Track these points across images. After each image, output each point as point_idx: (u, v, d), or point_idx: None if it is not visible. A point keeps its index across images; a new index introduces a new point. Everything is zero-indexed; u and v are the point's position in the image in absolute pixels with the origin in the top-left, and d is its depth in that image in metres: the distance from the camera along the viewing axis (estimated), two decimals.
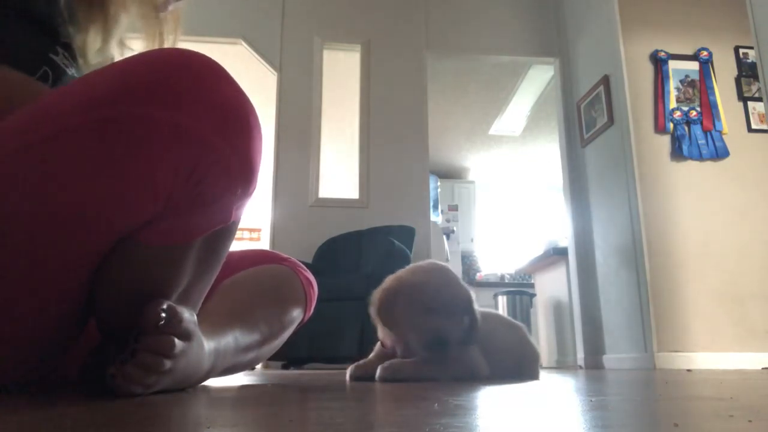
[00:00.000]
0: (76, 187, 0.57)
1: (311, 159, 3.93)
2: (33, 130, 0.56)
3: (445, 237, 4.77)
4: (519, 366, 1.42)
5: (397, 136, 4.03)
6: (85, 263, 0.64)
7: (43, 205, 0.57)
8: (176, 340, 0.66)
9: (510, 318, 1.54)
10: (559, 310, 4.41)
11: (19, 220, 0.58)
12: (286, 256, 1.15)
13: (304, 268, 1.14)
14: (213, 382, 1.07)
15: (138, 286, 0.66)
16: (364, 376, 1.27)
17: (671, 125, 3.31)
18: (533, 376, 1.44)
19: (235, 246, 0.83)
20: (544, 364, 1.49)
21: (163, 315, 0.65)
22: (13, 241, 0.59)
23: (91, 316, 0.71)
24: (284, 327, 1.06)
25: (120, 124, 0.56)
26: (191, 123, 0.58)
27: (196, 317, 0.72)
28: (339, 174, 4.05)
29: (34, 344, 0.68)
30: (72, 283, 0.65)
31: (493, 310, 1.55)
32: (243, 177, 0.64)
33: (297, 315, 1.09)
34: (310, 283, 1.14)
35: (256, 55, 4.04)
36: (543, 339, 4.67)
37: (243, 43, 4.02)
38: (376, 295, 1.30)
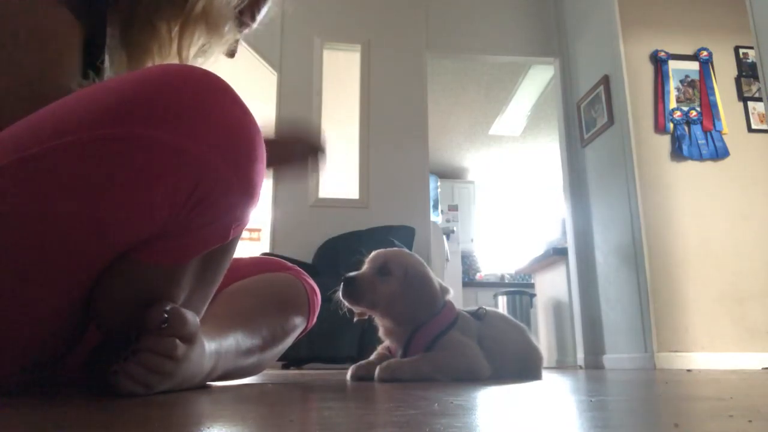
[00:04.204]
0: (73, 205, 0.56)
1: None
2: (31, 144, 0.55)
3: (445, 237, 4.76)
4: (523, 366, 1.43)
5: (397, 136, 4.03)
6: (84, 277, 0.64)
7: (37, 220, 0.57)
8: (179, 343, 0.66)
9: (513, 318, 1.54)
10: (559, 310, 4.41)
11: (14, 234, 0.57)
12: (290, 264, 1.16)
13: (308, 276, 1.15)
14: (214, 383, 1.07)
15: (136, 298, 0.66)
16: (364, 377, 1.27)
17: (671, 125, 3.31)
18: (537, 376, 1.44)
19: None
20: (544, 364, 1.49)
21: (166, 316, 0.65)
22: (9, 252, 0.58)
23: (91, 321, 0.71)
24: (286, 333, 1.06)
25: (118, 143, 0.55)
26: (192, 145, 0.57)
27: (198, 321, 0.73)
28: (339, 174, 4.05)
29: (34, 349, 0.68)
30: (71, 294, 0.65)
31: (498, 310, 1.55)
32: (243, 198, 0.63)
33: (299, 322, 1.10)
34: (314, 291, 1.14)
35: (256, 55, 4.04)
36: (543, 339, 4.67)
37: (243, 43, 4.01)
38: None
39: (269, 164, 0.91)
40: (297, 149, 1.02)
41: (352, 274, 1.31)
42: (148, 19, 0.82)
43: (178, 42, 0.85)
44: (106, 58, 0.82)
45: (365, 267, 1.34)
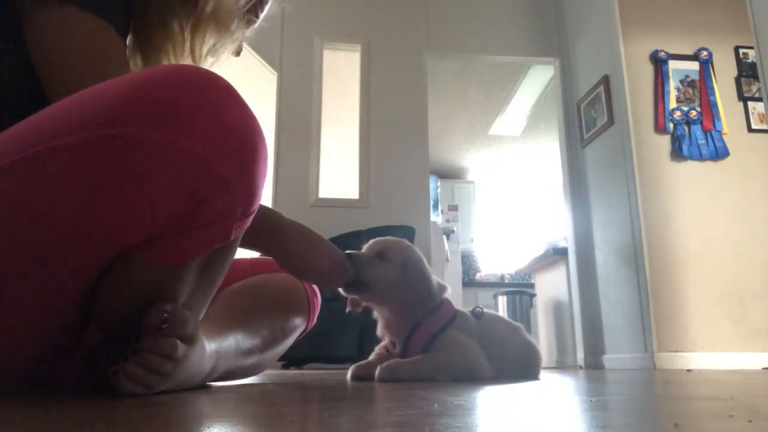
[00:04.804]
0: (74, 204, 0.56)
1: (311, 159, 3.93)
2: (33, 144, 0.55)
3: (445, 237, 4.76)
4: (523, 366, 1.43)
5: (397, 136, 4.03)
6: (84, 277, 0.64)
7: (38, 219, 0.57)
8: (179, 343, 0.66)
9: (510, 319, 1.55)
10: (559, 310, 4.41)
11: (15, 234, 0.57)
12: None
13: None
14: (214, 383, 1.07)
15: (136, 298, 0.66)
16: (364, 377, 1.27)
17: (671, 125, 3.31)
18: (535, 376, 1.44)
19: None
20: (544, 364, 1.50)
21: (166, 316, 0.65)
22: (9, 252, 0.58)
23: (91, 321, 0.71)
24: (286, 334, 1.07)
25: (120, 143, 0.55)
26: (193, 145, 0.57)
27: (198, 321, 0.73)
28: (339, 174, 4.05)
29: (34, 349, 0.68)
30: (71, 294, 0.65)
31: (495, 312, 1.55)
32: (244, 199, 0.63)
33: (300, 323, 1.10)
34: (315, 292, 1.14)
35: (256, 55, 4.04)
36: (543, 339, 4.67)
37: (243, 43, 4.01)
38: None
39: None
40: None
41: (351, 251, 1.26)
42: (162, 20, 0.82)
43: (191, 41, 0.86)
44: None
45: (363, 251, 1.33)
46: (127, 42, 0.85)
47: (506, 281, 6.94)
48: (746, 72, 3.47)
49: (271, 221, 0.94)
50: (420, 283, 1.31)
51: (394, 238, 1.37)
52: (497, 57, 4.38)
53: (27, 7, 0.69)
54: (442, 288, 1.38)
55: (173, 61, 0.86)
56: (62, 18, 0.69)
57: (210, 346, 0.78)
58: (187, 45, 0.86)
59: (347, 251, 1.20)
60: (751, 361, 2.90)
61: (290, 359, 3.23)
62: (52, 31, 0.69)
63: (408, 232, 3.59)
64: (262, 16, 1.02)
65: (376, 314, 1.38)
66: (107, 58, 0.72)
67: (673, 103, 3.34)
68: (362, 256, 1.27)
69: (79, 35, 0.70)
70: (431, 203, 4.34)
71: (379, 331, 1.39)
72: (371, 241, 1.35)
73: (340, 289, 1.21)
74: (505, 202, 7.78)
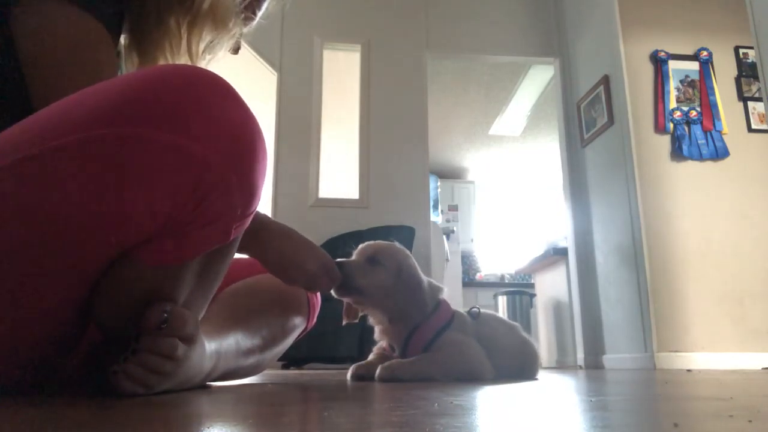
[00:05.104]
0: (73, 204, 0.56)
1: (311, 159, 3.93)
2: (33, 144, 0.55)
3: (445, 237, 4.76)
4: (521, 365, 1.43)
5: (397, 136, 4.03)
6: (84, 277, 0.64)
7: (38, 219, 0.56)
8: (179, 343, 0.66)
9: (507, 319, 1.54)
10: (559, 310, 4.41)
11: (14, 234, 0.57)
12: None
13: None
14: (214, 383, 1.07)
15: (136, 298, 0.66)
16: (364, 376, 1.27)
17: (671, 125, 3.31)
18: (533, 374, 1.44)
19: None
20: (544, 364, 1.49)
21: (165, 316, 0.65)
22: (9, 252, 0.58)
23: (91, 321, 0.71)
24: (286, 333, 1.06)
25: (120, 143, 0.55)
26: (191, 145, 0.56)
27: (198, 321, 0.73)
28: (339, 174, 4.05)
29: (34, 349, 0.68)
30: (71, 294, 0.65)
31: (491, 312, 1.54)
32: (244, 198, 0.63)
33: (299, 322, 1.10)
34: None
35: (256, 55, 4.04)
36: (543, 339, 4.67)
37: (243, 42, 4.01)
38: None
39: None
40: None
41: (341, 259, 1.24)
42: (159, 17, 0.82)
43: (188, 38, 0.85)
44: (122, 60, 0.83)
45: (353, 257, 1.31)
46: (123, 40, 0.85)
47: (506, 281, 6.94)
48: (746, 72, 3.47)
49: (258, 224, 0.93)
50: (414, 288, 1.30)
51: (384, 242, 1.34)
52: (497, 57, 4.38)
53: (19, 2, 0.69)
54: (438, 289, 1.37)
55: (170, 59, 0.86)
56: (60, 17, 0.69)
57: (210, 346, 0.78)
58: (184, 42, 0.86)
59: (337, 259, 1.18)
60: (751, 361, 2.90)
61: (290, 359, 3.23)
62: (46, 29, 0.68)
63: (408, 232, 3.59)
64: (260, 13, 1.02)
65: (371, 321, 1.36)
66: (101, 60, 0.71)
67: (673, 103, 3.34)
68: (352, 264, 1.25)
69: (79, 35, 0.70)
70: (431, 203, 4.34)
71: (377, 336, 1.37)
72: (360, 246, 1.32)
73: (332, 292, 1.19)
74: (505, 202, 7.78)
